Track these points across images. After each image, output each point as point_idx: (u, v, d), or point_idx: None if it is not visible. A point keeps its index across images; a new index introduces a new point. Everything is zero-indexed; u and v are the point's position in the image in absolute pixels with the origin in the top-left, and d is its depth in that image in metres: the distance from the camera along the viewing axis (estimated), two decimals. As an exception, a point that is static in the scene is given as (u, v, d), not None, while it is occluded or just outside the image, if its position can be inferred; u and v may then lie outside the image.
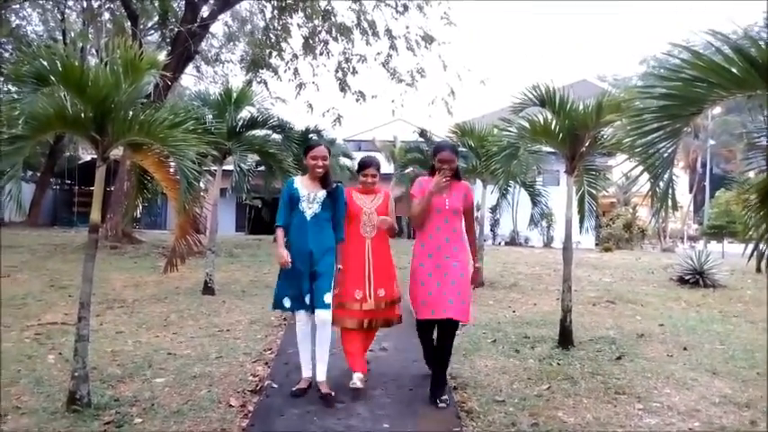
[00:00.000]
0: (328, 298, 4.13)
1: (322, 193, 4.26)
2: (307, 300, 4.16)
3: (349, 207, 4.45)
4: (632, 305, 8.51)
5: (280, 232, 4.31)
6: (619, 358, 5.42)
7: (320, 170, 4.25)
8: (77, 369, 3.85)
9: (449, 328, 4.19)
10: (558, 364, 5.22)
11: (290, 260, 4.14)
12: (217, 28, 18.52)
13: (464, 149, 9.59)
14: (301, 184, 4.34)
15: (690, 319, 7.50)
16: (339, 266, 4.26)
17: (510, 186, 9.66)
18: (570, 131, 5.85)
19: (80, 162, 26.20)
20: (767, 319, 7.01)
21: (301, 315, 4.27)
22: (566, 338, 5.83)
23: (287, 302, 4.26)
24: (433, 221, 4.26)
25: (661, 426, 3.83)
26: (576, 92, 6.08)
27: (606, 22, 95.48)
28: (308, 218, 4.21)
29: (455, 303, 4.07)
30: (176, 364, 4.95)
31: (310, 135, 13.59)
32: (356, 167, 4.72)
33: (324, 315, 4.14)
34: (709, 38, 2.87)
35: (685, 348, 5.91)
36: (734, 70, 2.83)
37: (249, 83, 14.77)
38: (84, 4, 16.71)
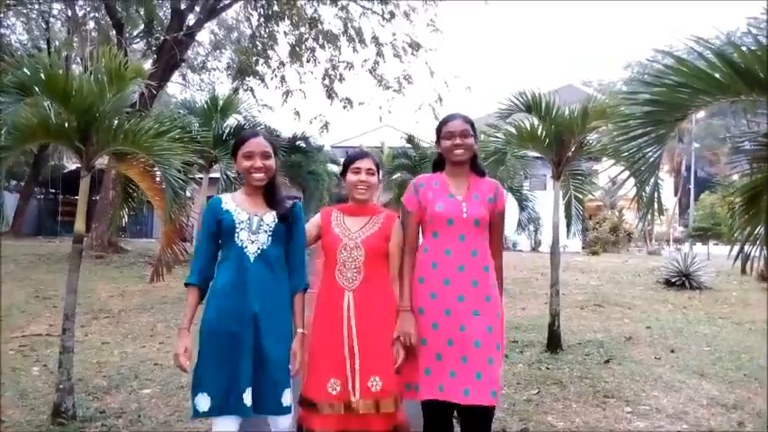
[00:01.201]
0: (288, 398, 2.52)
1: (271, 217, 2.62)
2: (246, 398, 2.43)
3: (322, 237, 2.81)
4: (620, 308, 8.55)
5: (191, 297, 2.57)
6: (607, 361, 5.44)
7: (260, 176, 2.62)
8: (62, 381, 3.81)
9: (478, 419, 2.59)
10: (547, 368, 5.23)
11: (186, 364, 2.49)
12: (203, 36, 18.47)
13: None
14: (234, 203, 2.65)
15: (677, 322, 7.55)
16: (301, 330, 2.59)
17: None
18: (556, 137, 5.90)
19: (64, 171, 25.95)
20: (756, 320, 7.08)
21: (228, 424, 2.48)
22: (554, 342, 5.85)
23: (203, 402, 2.44)
24: (440, 239, 2.68)
25: (650, 428, 3.85)
26: (561, 97, 6.13)
27: (591, 28, 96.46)
28: (252, 257, 2.56)
29: (485, 378, 2.51)
30: (163, 375, 4.90)
31: (298, 142, 13.57)
32: (341, 169, 2.97)
33: (284, 422, 2.57)
34: (692, 43, 2.90)
35: (673, 351, 5.94)
36: (717, 76, 2.86)
37: (235, 90, 14.72)
38: (69, 13, 16.59)
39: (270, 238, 2.59)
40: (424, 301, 2.63)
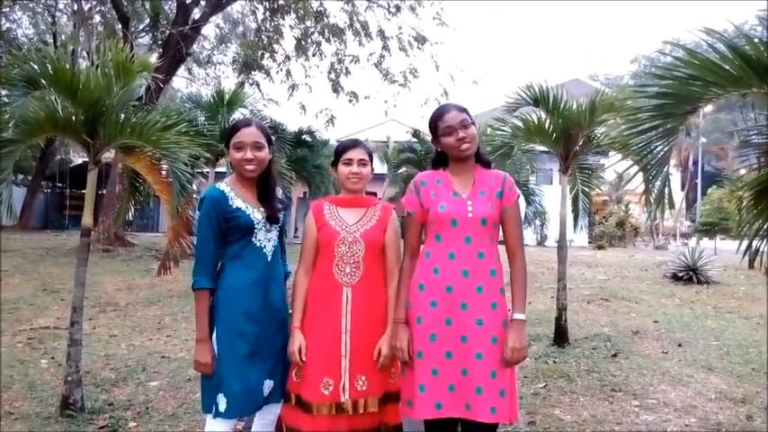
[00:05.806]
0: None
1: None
2: (266, 390, 2.49)
3: (318, 231, 2.60)
4: (626, 302, 8.52)
5: (205, 303, 2.44)
6: (614, 355, 5.43)
7: (251, 168, 2.50)
8: (70, 373, 3.83)
9: None
10: (554, 362, 5.22)
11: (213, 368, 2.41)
12: (208, 30, 18.47)
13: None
14: (240, 198, 2.50)
15: (684, 316, 7.52)
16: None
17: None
18: (564, 131, 5.86)
19: (71, 165, 26.05)
20: (764, 315, 7.05)
21: (221, 424, 2.44)
22: (561, 336, 5.84)
23: (222, 403, 2.38)
24: (443, 243, 2.42)
25: (657, 422, 3.84)
26: (568, 91, 6.09)
27: (597, 22, 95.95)
28: (269, 256, 2.54)
29: (487, 393, 2.28)
30: (170, 368, 4.93)
31: (303, 136, 13.57)
32: (332, 159, 2.78)
33: (276, 411, 2.61)
34: (703, 35, 2.87)
35: (680, 345, 5.92)
36: (728, 68, 2.83)
37: (241, 84, 14.72)
38: (75, 7, 16.60)
39: (277, 234, 2.60)
40: (423, 310, 2.39)
